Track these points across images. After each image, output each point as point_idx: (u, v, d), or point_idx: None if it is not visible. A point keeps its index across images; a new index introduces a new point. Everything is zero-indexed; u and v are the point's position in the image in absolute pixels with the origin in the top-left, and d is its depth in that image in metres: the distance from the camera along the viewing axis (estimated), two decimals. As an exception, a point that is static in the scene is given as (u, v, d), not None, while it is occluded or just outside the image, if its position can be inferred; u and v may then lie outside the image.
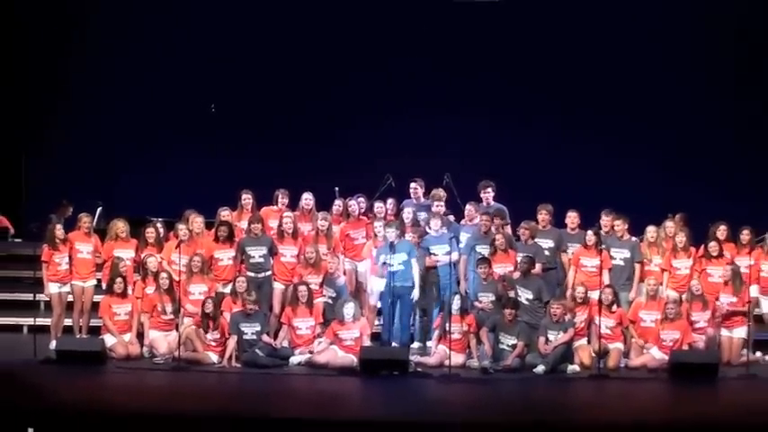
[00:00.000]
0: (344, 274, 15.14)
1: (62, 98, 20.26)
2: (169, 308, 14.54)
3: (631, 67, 19.64)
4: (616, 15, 19.64)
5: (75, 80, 20.26)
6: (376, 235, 15.13)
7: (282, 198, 15.62)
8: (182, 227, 15.06)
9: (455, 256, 14.90)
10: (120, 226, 15.18)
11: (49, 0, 20.39)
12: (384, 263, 14.76)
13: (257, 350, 14.18)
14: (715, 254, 14.76)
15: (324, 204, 15.84)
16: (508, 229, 15.34)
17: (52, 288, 14.99)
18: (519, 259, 14.73)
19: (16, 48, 20.39)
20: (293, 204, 15.69)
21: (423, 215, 15.49)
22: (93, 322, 15.13)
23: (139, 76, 19.99)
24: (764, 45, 19.51)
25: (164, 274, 14.58)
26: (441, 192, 15.76)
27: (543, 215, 15.14)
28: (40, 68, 20.28)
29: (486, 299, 14.61)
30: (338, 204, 15.72)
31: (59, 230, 15.09)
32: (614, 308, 14.42)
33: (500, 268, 14.79)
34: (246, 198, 15.58)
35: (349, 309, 14.31)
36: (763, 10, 19.44)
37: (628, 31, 19.59)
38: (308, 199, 15.62)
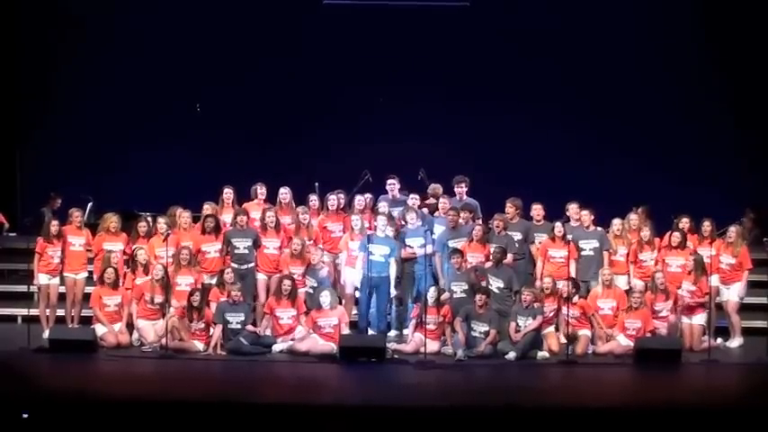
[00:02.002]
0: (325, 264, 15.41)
1: (54, 95, 20.23)
2: (157, 299, 14.81)
3: (599, 62, 19.78)
4: (585, 11, 19.80)
5: (66, 77, 20.22)
6: (353, 228, 15.44)
7: (261, 190, 15.97)
8: (162, 221, 15.38)
9: (429, 248, 15.22)
10: (114, 220, 15.47)
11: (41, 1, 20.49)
12: (365, 249, 15.06)
13: (241, 338, 14.45)
14: (675, 244, 15.08)
15: (304, 198, 16.10)
16: (479, 222, 15.60)
17: (42, 279, 15.31)
18: (492, 250, 15.07)
19: (7, 46, 20.41)
20: (271, 197, 16.00)
21: (397, 210, 15.83)
22: (85, 312, 15.37)
23: (129, 75, 19.96)
24: (732, 41, 19.67)
25: (159, 267, 14.82)
26: (439, 188, 16.29)
27: (510, 208, 15.50)
28: (32, 66, 20.28)
29: (459, 288, 14.93)
30: (314, 199, 16.06)
31: (54, 225, 15.41)
32: (576, 299, 14.73)
33: (472, 257, 15.12)
34: (228, 193, 15.91)
35: (325, 297, 14.61)
36: (731, 10, 19.66)
37: (597, 28, 19.73)
38: (284, 193, 15.92)
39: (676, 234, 15.18)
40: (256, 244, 15.35)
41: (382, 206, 15.80)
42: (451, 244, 15.34)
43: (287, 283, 14.78)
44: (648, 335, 14.59)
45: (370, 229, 15.36)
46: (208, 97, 20.34)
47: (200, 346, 14.59)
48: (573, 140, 19.55)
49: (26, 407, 11.68)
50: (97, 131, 20.11)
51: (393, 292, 15.27)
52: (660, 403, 12.41)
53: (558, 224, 15.21)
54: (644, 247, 15.26)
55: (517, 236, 15.43)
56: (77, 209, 15.83)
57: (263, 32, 20.10)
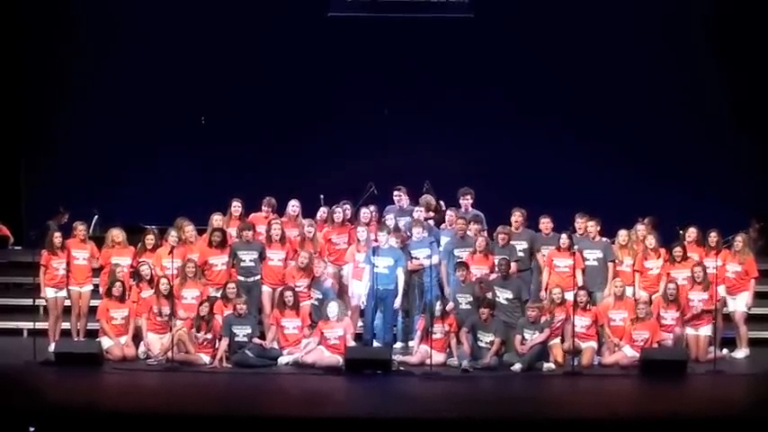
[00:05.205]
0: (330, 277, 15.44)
1: (59, 109, 20.29)
2: (165, 310, 14.82)
3: (605, 73, 19.83)
4: (589, 22, 19.85)
5: (71, 90, 20.28)
6: (359, 240, 15.48)
7: (266, 207, 15.94)
8: (173, 233, 15.38)
9: (435, 259, 15.23)
10: (116, 233, 15.52)
11: (46, 8, 20.38)
12: (370, 262, 15.11)
13: (247, 351, 14.49)
14: (679, 258, 15.10)
15: (310, 208, 16.16)
16: (485, 234, 15.60)
17: (49, 293, 15.33)
18: (496, 262, 15.09)
19: (12, 59, 20.44)
20: (279, 209, 16.01)
21: (404, 221, 15.85)
22: (91, 325, 15.42)
23: (134, 88, 20.02)
24: (739, 52, 19.73)
25: (164, 280, 14.85)
26: (431, 199, 16.28)
27: (517, 218, 15.51)
28: (37, 79, 20.33)
29: (464, 300, 14.94)
30: (323, 211, 16.09)
31: (57, 238, 15.44)
32: (589, 307, 14.79)
33: (477, 270, 15.14)
34: (236, 206, 15.89)
35: (333, 308, 14.63)
36: (739, 21, 19.74)
37: (600, 37, 19.77)
38: (294, 206, 15.96)
39: (678, 249, 15.19)
40: (262, 257, 15.39)
41: (389, 218, 15.84)
42: (457, 252, 15.40)
43: (288, 294, 14.85)
44: (655, 346, 14.60)
45: (376, 241, 15.38)
46: (213, 109, 20.38)
47: (205, 358, 14.62)
48: (578, 151, 19.58)
49: (33, 420, 11.70)
50: (102, 145, 20.17)
51: (399, 301, 15.27)
52: (666, 414, 12.40)
53: (563, 236, 15.23)
54: (649, 254, 15.28)
55: (523, 245, 15.45)
56: (81, 222, 15.83)
57: (269, 44, 20.17)
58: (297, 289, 15.01)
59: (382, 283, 15.11)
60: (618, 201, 18.22)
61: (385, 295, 15.18)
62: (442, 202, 16.58)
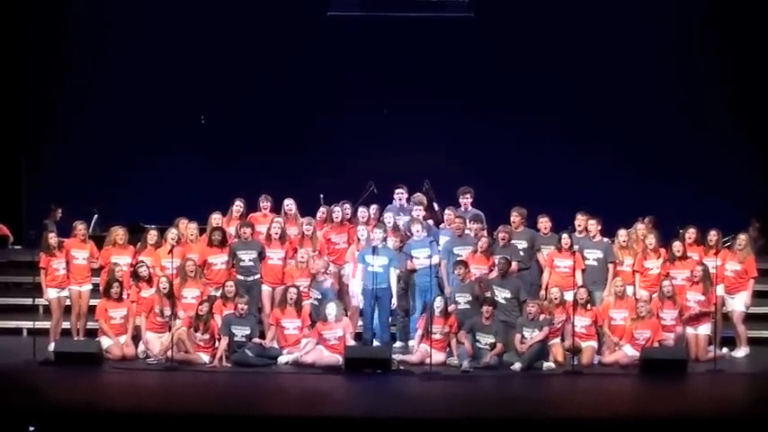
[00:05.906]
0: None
1: (59, 109, 20.35)
2: (167, 311, 14.83)
3: (606, 72, 19.87)
4: (589, 21, 19.89)
5: (71, 91, 20.32)
6: (359, 239, 15.49)
7: (264, 203, 16.00)
8: (173, 232, 15.39)
9: (435, 259, 15.22)
10: (120, 233, 15.51)
11: (46, 8, 20.45)
12: (365, 261, 15.13)
13: (247, 350, 14.47)
14: (679, 254, 15.11)
15: (310, 208, 16.19)
16: (485, 234, 15.58)
17: (51, 293, 15.31)
18: (496, 260, 15.08)
19: (12, 60, 20.48)
20: (277, 208, 16.02)
21: (404, 219, 15.87)
22: (90, 325, 15.41)
23: (134, 88, 20.08)
24: (741, 51, 19.77)
25: (163, 279, 14.86)
26: (423, 197, 16.25)
27: (516, 217, 15.50)
28: (36, 80, 20.38)
29: (464, 299, 14.92)
30: (322, 211, 16.10)
31: (53, 238, 15.42)
32: (589, 306, 14.79)
33: (476, 269, 15.12)
34: (238, 205, 15.94)
35: (331, 309, 14.60)
36: (741, 19, 19.75)
37: (598, 37, 19.82)
38: (289, 204, 15.98)
39: (677, 244, 15.21)
40: (261, 256, 15.38)
41: (388, 216, 15.85)
42: (457, 251, 15.39)
43: (293, 291, 14.83)
44: (656, 345, 14.59)
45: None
46: (212, 109, 20.44)
47: (205, 358, 14.62)
48: (579, 151, 19.61)
49: (33, 420, 11.70)
50: (102, 144, 20.23)
51: (394, 302, 15.29)
52: (666, 414, 12.38)
53: (564, 235, 15.24)
54: (649, 254, 15.28)
55: (522, 244, 15.44)
56: (81, 222, 15.81)
57: (268, 44, 20.23)
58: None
59: (378, 281, 15.12)
60: (618, 201, 18.20)
61: (380, 294, 15.19)
62: (435, 204, 16.60)
